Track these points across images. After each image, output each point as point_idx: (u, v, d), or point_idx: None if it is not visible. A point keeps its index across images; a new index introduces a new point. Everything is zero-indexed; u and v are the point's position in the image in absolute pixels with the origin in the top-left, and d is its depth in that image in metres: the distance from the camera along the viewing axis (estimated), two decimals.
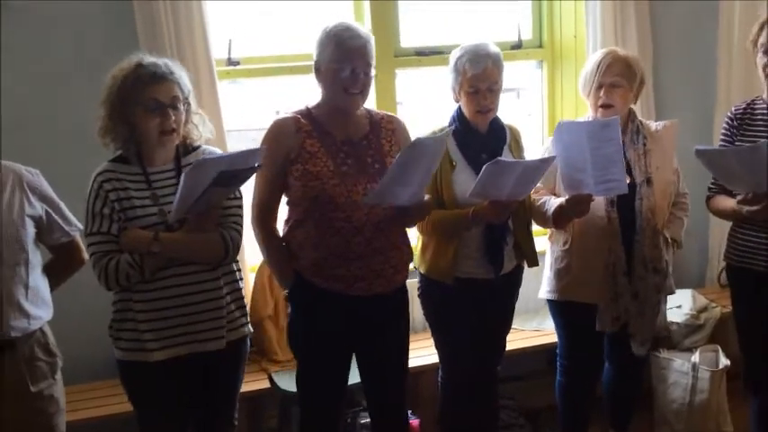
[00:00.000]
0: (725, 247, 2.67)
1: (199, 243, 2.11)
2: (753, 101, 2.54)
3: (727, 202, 2.47)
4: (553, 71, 3.66)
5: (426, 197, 2.28)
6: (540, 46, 3.65)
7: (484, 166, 2.21)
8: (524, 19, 3.63)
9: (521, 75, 3.90)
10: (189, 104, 2.18)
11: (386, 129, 2.35)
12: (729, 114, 2.60)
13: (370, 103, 3.39)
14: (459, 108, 2.56)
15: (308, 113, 2.32)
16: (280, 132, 2.27)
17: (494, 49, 2.50)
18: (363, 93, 2.27)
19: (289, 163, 2.24)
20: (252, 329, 2.37)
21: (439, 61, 3.27)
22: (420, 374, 3.02)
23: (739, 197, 2.34)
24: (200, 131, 2.24)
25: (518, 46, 3.60)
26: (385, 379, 2.48)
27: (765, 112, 2.47)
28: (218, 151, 2.28)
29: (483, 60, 2.45)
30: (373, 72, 2.27)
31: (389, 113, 2.47)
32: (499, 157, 2.29)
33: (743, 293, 2.60)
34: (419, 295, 2.69)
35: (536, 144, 3.31)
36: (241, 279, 2.30)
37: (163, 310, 2.12)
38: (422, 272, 2.62)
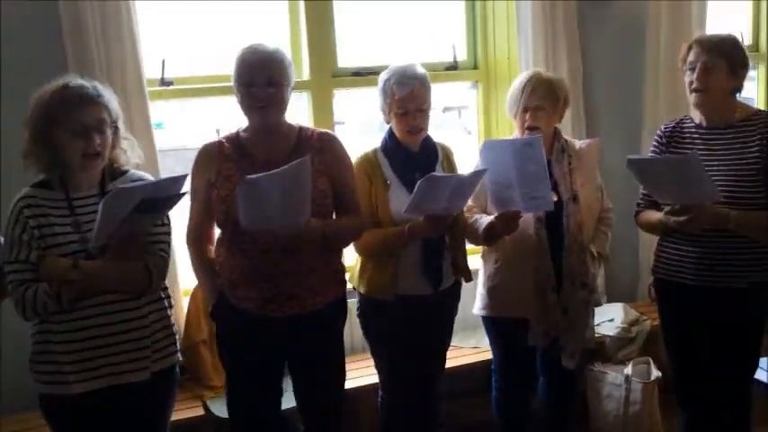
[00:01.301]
0: (653, 260, 2.74)
1: (120, 271, 2.05)
2: (681, 120, 2.63)
3: (655, 216, 2.53)
4: (488, 91, 3.74)
5: (313, 222, 2.20)
6: (476, 67, 3.72)
7: (418, 182, 2.24)
8: (459, 40, 3.70)
9: (461, 94, 3.97)
10: (117, 129, 2.13)
11: (313, 146, 2.34)
12: (659, 132, 2.68)
13: (308, 123, 3.42)
14: (391, 128, 2.59)
15: (235, 137, 2.34)
16: (203, 158, 2.33)
17: (420, 70, 2.54)
18: (272, 105, 2.26)
19: (210, 188, 2.28)
20: (181, 357, 2.33)
21: (376, 82, 3.29)
22: (360, 395, 3.02)
23: (667, 208, 2.40)
24: (129, 157, 2.20)
25: (454, 67, 3.66)
26: (317, 401, 2.47)
27: (693, 130, 2.56)
28: (147, 176, 2.24)
29: (410, 82, 2.48)
30: (288, 86, 2.28)
31: (324, 131, 2.45)
32: (433, 173, 2.33)
33: (671, 307, 2.67)
34: (358, 315, 2.70)
35: (476, 162, 3.36)
36: (170, 306, 2.25)
37: (83, 341, 2.05)
38: (361, 291, 2.63)
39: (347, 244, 2.49)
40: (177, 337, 2.29)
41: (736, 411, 2.58)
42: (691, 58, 2.47)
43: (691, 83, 2.46)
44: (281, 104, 2.29)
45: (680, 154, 2.52)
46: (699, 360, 2.58)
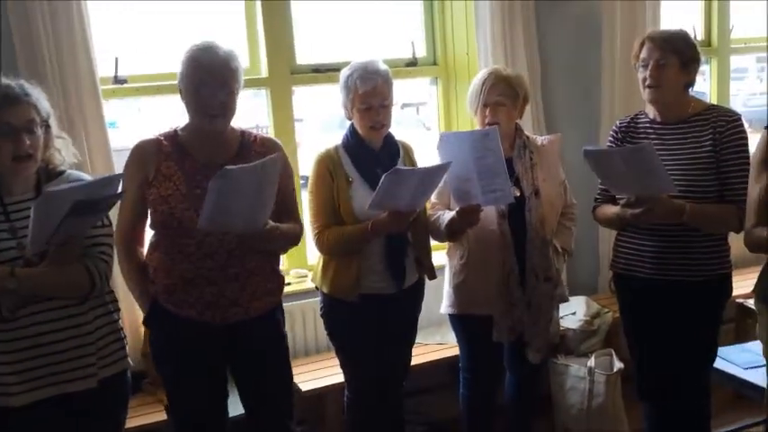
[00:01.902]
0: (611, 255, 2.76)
1: (60, 277, 1.96)
2: (636, 115, 2.67)
3: (612, 209, 2.56)
4: (448, 87, 3.74)
5: (271, 224, 2.17)
6: (435, 63, 3.72)
7: (383, 176, 2.23)
8: (419, 37, 3.70)
9: (419, 90, 3.97)
10: (49, 128, 2.04)
11: (256, 152, 2.28)
12: (614, 127, 2.71)
13: (267, 120, 3.39)
14: (353, 125, 2.57)
15: (173, 135, 2.26)
16: (140, 155, 2.23)
17: (383, 66, 2.53)
18: (224, 114, 2.21)
19: (147, 186, 2.19)
20: (142, 361, 2.26)
21: (336, 78, 3.26)
22: (325, 394, 3.00)
23: (623, 201, 2.43)
24: (63, 156, 2.10)
25: (413, 63, 3.65)
26: (261, 408, 2.42)
27: (648, 125, 2.60)
28: (86, 176, 2.15)
29: (373, 77, 2.47)
30: (239, 92, 2.23)
31: (266, 136, 2.43)
32: (397, 167, 2.32)
33: (629, 300, 2.70)
34: (321, 315, 2.67)
35: (434, 158, 3.36)
36: (117, 310, 2.18)
37: (25, 350, 1.96)
38: (324, 291, 2.60)
39: (286, 251, 2.48)
40: (126, 341, 2.21)
41: (696, 401, 2.63)
42: (643, 54, 2.50)
43: (644, 79, 2.49)
44: (231, 112, 2.23)
45: None
46: (658, 352, 2.62)
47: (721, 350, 2.87)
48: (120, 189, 2.01)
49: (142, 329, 3.00)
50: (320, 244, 2.54)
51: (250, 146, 2.30)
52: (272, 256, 2.36)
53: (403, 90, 5.30)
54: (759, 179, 2.18)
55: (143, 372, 2.88)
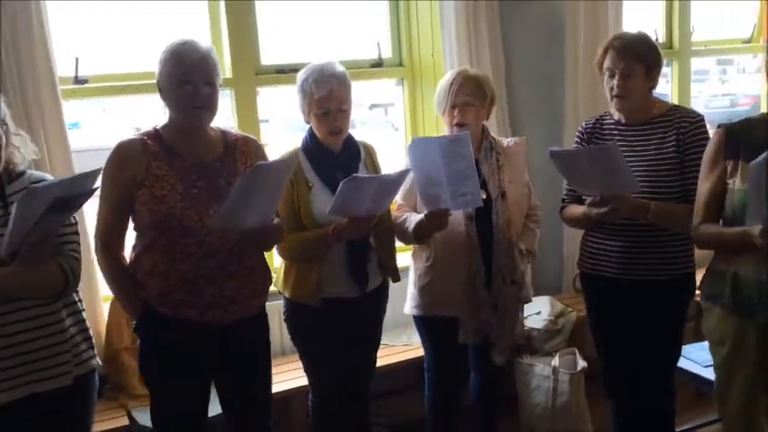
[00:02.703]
0: (578, 254, 2.79)
1: (34, 276, 1.94)
2: (602, 116, 2.70)
3: (579, 209, 2.59)
4: (414, 88, 3.74)
5: (276, 220, 2.24)
6: (401, 64, 3.72)
7: (341, 183, 2.21)
8: (384, 38, 3.69)
9: (388, 91, 3.97)
10: (6, 126, 2.00)
11: (241, 150, 2.29)
12: (580, 128, 2.74)
13: (232, 122, 3.36)
14: (311, 129, 2.55)
15: (156, 135, 2.23)
16: (124, 155, 2.18)
17: (339, 68, 2.50)
18: (209, 107, 2.19)
19: (135, 187, 2.15)
20: (103, 366, 2.23)
21: None
22: (290, 398, 2.98)
23: (589, 200, 2.46)
24: (23, 154, 2.05)
25: (379, 64, 3.65)
26: (247, 409, 2.41)
27: (613, 126, 2.63)
28: (47, 176, 2.12)
29: (329, 81, 2.44)
30: (219, 86, 2.22)
31: (246, 135, 2.41)
32: (356, 174, 2.31)
33: (596, 299, 2.74)
34: (285, 320, 2.65)
35: (403, 160, 3.36)
36: (84, 310, 2.16)
37: (0, 350, 1.95)
38: (286, 296, 2.58)
39: (271, 249, 2.48)
40: (93, 341, 2.19)
41: (661, 399, 2.67)
42: (608, 63, 2.52)
43: (612, 88, 2.52)
44: (215, 105, 2.22)
45: None
46: (625, 350, 2.65)
47: (682, 348, 2.92)
48: (95, 186, 1.97)
49: (104, 333, 2.96)
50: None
51: (234, 144, 2.29)
52: (263, 254, 2.36)
53: (370, 90, 5.31)
54: (708, 177, 2.22)
55: (104, 377, 2.84)
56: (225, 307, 2.22)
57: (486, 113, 2.73)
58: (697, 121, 2.51)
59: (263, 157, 2.35)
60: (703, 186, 2.24)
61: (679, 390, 2.83)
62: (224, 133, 2.32)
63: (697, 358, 2.98)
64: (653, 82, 2.54)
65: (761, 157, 1.86)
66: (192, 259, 2.16)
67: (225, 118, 3.51)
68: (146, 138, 2.21)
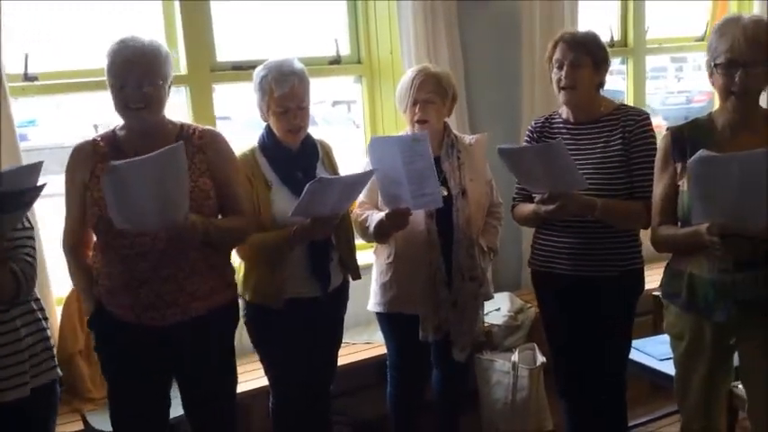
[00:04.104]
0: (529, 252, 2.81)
1: None
2: (551, 115, 2.72)
3: (528, 207, 2.62)
4: (372, 86, 3.73)
5: (193, 218, 2.09)
6: (359, 62, 3.70)
7: (307, 185, 2.19)
8: (342, 35, 3.67)
9: (350, 88, 3.95)
10: None
11: (195, 145, 2.23)
12: (530, 128, 2.77)
13: (188, 119, 3.30)
14: (269, 126, 2.52)
15: (111, 135, 2.21)
16: (76, 158, 2.19)
17: (298, 65, 2.48)
18: (150, 108, 2.14)
19: (84, 189, 2.15)
20: (60, 371, 2.18)
21: None
22: (250, 399, 2.94)
23: (537, 198, 2.48)
24: None
25: (337, 61, 3.63)
26: (207, 410, 2.38)
27: (561, 125, 2.65)
28: None
29: (289, 79, 2.41)
30: (166, 84, 2.17)
31: (207, 128, 2.35)
32: (322, 176, 2.29)
33: (547, 297, 2.77)
34: (245, 322, 2.61)
35: (364, 159, 3.35)
36: (45, 318, 2.12)
37: None
38: (246, 298, 2.54)
39: (232, 246, 2.40)
40: (54, 350, 2.16)
41: (612, 394, 2.71)
42: (557, 55, 2.54)
43: (559, 80, 2.53)
44: (158, 104, 2.16)
45: None
46: (575, 347, 2.69)
47: (638, 342, 2.97)
48: (42, 183, 1.91)
49: (57, 336, 2.89)
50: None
51: (189, 138, 2.22)
52: (214, 253, 2.26)
53: (332, 87, 5.27)
54: (661, 179, 2.26)
55: (59, 380, 2.77)
56: (162, 309, 2.18)
57: (448, 111, 2.73)
58: (642, 119, 2.55)
59: (220, 149, 2.28)
60: (657, 190, 2.27)
61: (635, 383, 2.88)
62: (181, 126, 2.27)
63: (653, 352, 3.03)
64: (600, 78, 2.57)
65: (696, 155, 1.90)
66: (125, 261, 2.14)
67: (181, 115, 3.46)
68: (98, 139, 2.19)
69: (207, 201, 2.21)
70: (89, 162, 2.16)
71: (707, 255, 2.08)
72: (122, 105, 2.12)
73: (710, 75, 2.15)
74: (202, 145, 2.24)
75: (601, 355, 2.64)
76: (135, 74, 2.09)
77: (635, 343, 2.83)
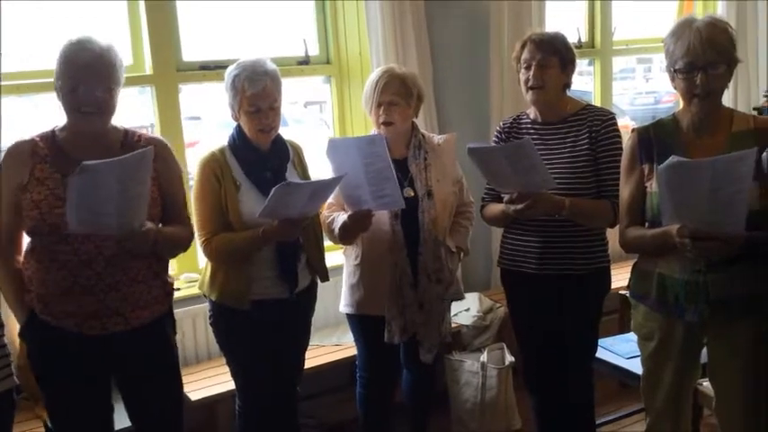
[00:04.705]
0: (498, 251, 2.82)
1: None
2: (518, 116, 2.74)
3: (498, 207, 2.62)
4: (341, 86, 3.71)
5: (148, 226, 2.07)
6: (328, 62, 3.69)
7: (273, 189, 2.18)
8: (311, 35, 3.65)
9: (321, 88, 3.94)
10: None
11: None
12: (498, 128, 2.78)
13: (153, 120, 3.26)
14: (239, 126, 2.50)
15: (50, 136, 2.14)
16: (14, 157, 2.11)
17: (271, 66, 2.46)
18: (102, 112, 2.10)
19: (20, 191, 2.07)
20: (17, 376, 2.13)
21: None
22: (216, 403, 2.92)
23: (506, 198, 2.49)
24: None
25: (306, 62, 3.61)
26: (153, 419, 2.33)
27: (529, 125, 2.67)
28: None
29: (262, 78, 2.40)
30: (119, 88, 2.13)
31: (152, 135, 2.35)
32: (290, 180, 2.29)
33: (516, 295, 2.78)
34: (211, 324, 2.59)
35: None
36: (2, 325, 2.05)
37: None
38: (213, 299, 2.52)
39: (175, 255, 2.39)
40: (11, 358, 2.09)
41: (580, 391, 2.72)
42: (525, 56, 2.55)
43: (527, 80, 2.55)
44: (110, 110, 2.13)
45: None
46: (544, 345, 2.70)
47: (605, 341, 2.99)
48: None
49: (17, 341, 2.83)
50: (208, 252, 2.45)
51: (134, 145, 2.18)
52: (158, 261, 2.25)
53: (305, 88, 5.23)
54: (628, 181, 2.27)
55: (18, 387, 2.71)
56: (105, 318, 2.13)
57: (415, 111, 2.73)
58: (608, 119, 2.57)
59: (167, 158, 2.25)
60: (624, 191, 2.29)
61: (602, 381, 2.90)
62: (126, 133, 2.23)
63: (619, 350, 3.05)
64: (567, 79, 2.59)
65: (669, 161, 1.91)
66: (67, 267, 2.08)
67: (146, 116, 3.42)
68: (38, 139, 2.12)
69: (155, 209, 2.18)
70: (28, 163, 2.08)
71: (678, 255, 2.09)
72: (74, 108, 2.08)
73: (672, 79, 2.17)
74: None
75: (570, 352, 2.66)
76: (90, 78, 2.05)
77: (601, 341, 2.85)
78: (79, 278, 2.08)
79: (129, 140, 2.20)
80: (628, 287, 2.39)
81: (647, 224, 2.23)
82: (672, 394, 2.29)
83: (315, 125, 7.95)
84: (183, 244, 2.31)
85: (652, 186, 2.17)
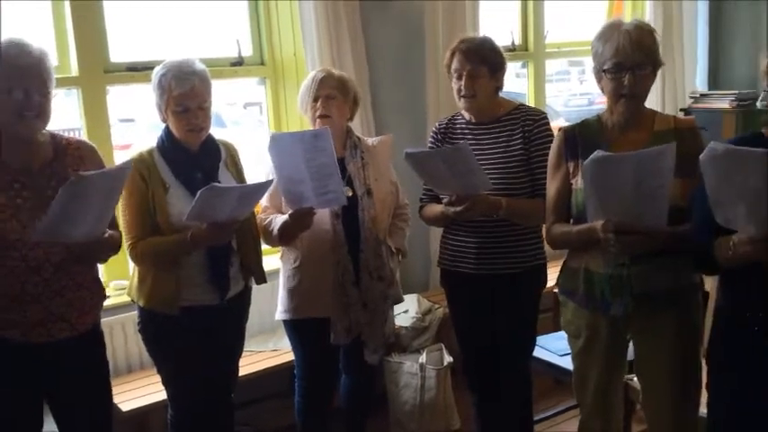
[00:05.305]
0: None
1: None
2: (454, 117, 2.76)
3: (437, 208, 2.64)
4: (276, 88, 3.67)
5: (108, 233, 2.10)
6: (262, 63, 3.64)
7: (199, 192, 2.13)
8: (245, 36, 3.60)
9: (255, 90, 3.88)
10: None
11: (72, 156, 2.16)
12: (434, 129, 2.80)
13: (80, 122, 3.16)
14: (168, 127, 2.44)
15: None
16: None
17: (199, 65, 2.42)
18: (41, 116, 2.05)
19: None
20: None
21: None
22: (148, 413, 2.84)
23: (445, 200, 2.50)
24: None
25: (239, 63, 3.55)
26: (85, 426, 2.27)
27: (464, 126, 2.69)
28: None
29: (190, 78, 2.35)
30: (53, 93, 2.08)
31: (80, 139, 2.30)
32: (214, 183, 2.24)
33: (455, 295, 2.80)
34: (139, 330, 2.52)
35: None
36: None
37: None
38: (141, 305, 2.45)
39: (106, 260, 2.34)
40: None
41: (518, 389, 2.76)
42: (455, 65, 2.58)
43: (459, 90, 2.58)
44: (48, 114, 2.08)
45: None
46: (484, 343, 2.72)
47: (540, 338, 3.03)
48: None
49: None
50: (136, 256, 2.39)
51: (65, 149, 2.15)
52: (96, 266, 2.24)
53: (245, 90, 5.15)
54: (554, 178, 2.32)
55: None
56: (52, 325, 2.09)
57: (350, 113, 2.72)
58: (541, 118, 2.62)
59: (99, 162, 2.22)
60: (551, 189, 2.33)
61: (539, 378, 2.94)
62: (53, 137, 2.17)
63: (553, 348, 3.10)
64: (498, 83, 2.62)
65: (594, 155, 1.95)
66: (14, 273, 2.02)
67: (73, 119, 3.31)
68: None
69: None
70: None
71: (603, 250, 2.13)
72: (14, 112, 2.01)
73: (599, 80, 2.22)
74: (82, 157, 2.18)
75: (507, 350, 2.69)
76: (30, 82, 2.00)
77: (537, 339, 2.89)
78: (27, 285, 2.04)
79: (59, 144, 2.16)
80: (556, 284, 2.43)
81: (571, 220, 2.27)
82: (601, 390, 2.33)
83: (254, 126, 7.85)
84: (117, 248, 2.28)
85: (578, 183, 2.22)
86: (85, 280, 2.17)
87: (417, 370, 3.33)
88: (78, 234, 1.97)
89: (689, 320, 2.24)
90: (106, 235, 2.09)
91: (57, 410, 2.25)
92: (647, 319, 2.21)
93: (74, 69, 3.08)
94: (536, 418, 3.10)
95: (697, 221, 1.95)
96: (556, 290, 3.53)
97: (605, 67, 2.15)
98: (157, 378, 2.60)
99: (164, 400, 2.65)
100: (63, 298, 2.10)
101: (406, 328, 3.51)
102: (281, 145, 2.43)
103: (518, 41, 4.49)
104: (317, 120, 2.62)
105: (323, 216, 2.57)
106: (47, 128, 2.13)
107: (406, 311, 3.59)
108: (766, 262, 1.74)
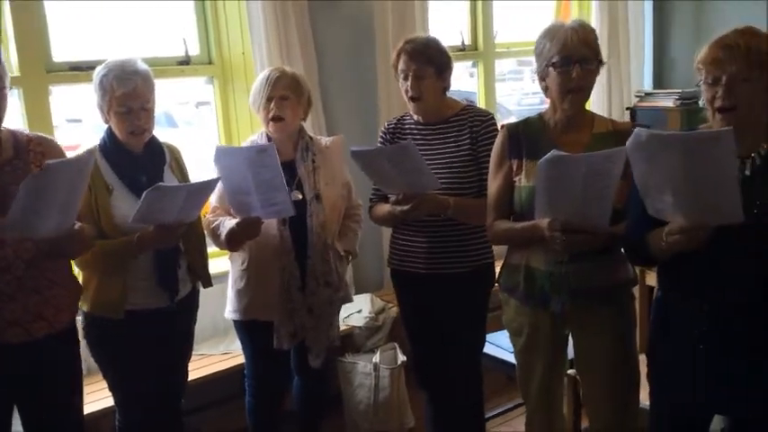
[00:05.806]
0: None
1: None
2: (403, 116, 2.77)
3: (385, 208, 2.64)
4: (225, 87, 3.63)
5: (78, 225, 2.07)
6: (210, 62, 3.59)
7: (144, 193, 2.10)
8: (191, 35, 3.55)
9: (203, 89, 3.83)
10: None
11: (34, 152, 2.13)
12: (383, 129, 2.80)
13: (22, 123, 3.07)
14: (110, 128, 2.40)
15: None
16: None
17: (142, 65, 2.38)
18: None
19: None
20: None
21: None
22: (96, 420, 2.77)
23: (392, 199, 2.51)
24: None
25: (186, 62, 3.50)
26: (59, 426, 2.25)
27: (413, 126, 2.70)
28: None
29: (132, 78, 2.31)
30: (7, 92, 2.04)
31: (40, 135, 2.24)
32: (160, 183, 2.21)
33: (405, 295, 2.81)
34: (84, 336, 2.45)
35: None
36: None
37: None
38: (85, 309, 2.40)
39: (79, 254, 2.29)
40: None
41: (468, 386, 2.78)
42: (401, 66, 2.59)
43: (406, 91, 2.59)
44: (4, 111, 2.04)
45: None
46: (434, 342, 2.74)
47: (490, 335, 3.06)
48: None
49: None
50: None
51: (26, 145, 2.12)
52: (67, 262, 2.22)
53: (194, 89, 5.06)
54: (496, 177, 2.34)
55: None
56: (28, 325, 2.07)
57: (304, 113, 2.71)
58: (488, 119, 2.64)
59: (61, 157, 2.15)
60: (493, 186, 2.36)
61: (490, 375, 2.96)
62: (14, 134, 2.14)
63: (504, 344, 3.12)
64: (445, 83, 2.63)
65: (550, 154, 1.98)
66: None
67: (14, 119, 3.22)
68: None
69: None
70: None
71: (544, 247, 2.17)
72: None
73: (543, 78, 2.24)
74: (44, 152, 2.14)
75: (457, 349, 2.71)
76: None
77: (488, 336, 2.91)
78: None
79: (19, 140, 2.13)
80: (497, 281, 2.46)
81: (511, 217, 2.30)
82: (544, 387, 2.37)
83: (207, 126, 7.73)
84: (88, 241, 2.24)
85: (521, 181, 2.25)
86: (59, 277, 2.16)
87: (371, 369, 3.33)
88: (46, 228, 1.94)
89: (626, 315, 2.30)
90: (76, 227, 2.05)
91: (27, 411, 2.21)
92: (585, 315, 2.25)
93: (15, 69, 2.99)
94: (488, 414, 3.13)
95: (632, 217, 2.00)
96: None
97: (553, 61, 2.17)
98: (104, 383, 2.54)
99: (111, 406, 2.60)
100: (39, 295, 2.09)
101: (359, 327, 3.51)
102: (226, 158, 2.41)
103: (468, 41, 4.53)
104: (270, 122, 2.60)
105: (271, 221, 2.55)
106: (2, 125, 2.10)
107: (359, 311, 3.58)
108: (699, 250, 1.79)
